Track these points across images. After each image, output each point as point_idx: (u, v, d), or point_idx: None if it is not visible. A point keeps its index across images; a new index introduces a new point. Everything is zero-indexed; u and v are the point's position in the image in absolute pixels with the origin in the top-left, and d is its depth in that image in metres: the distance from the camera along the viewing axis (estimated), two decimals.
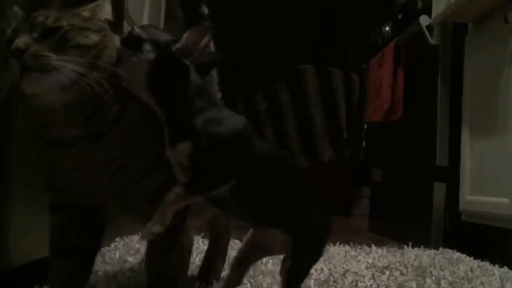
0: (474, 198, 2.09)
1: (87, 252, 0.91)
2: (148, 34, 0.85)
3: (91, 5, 0.85)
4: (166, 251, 0.91)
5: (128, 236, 1.79)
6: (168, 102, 0.85)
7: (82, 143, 0.80)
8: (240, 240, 1.05)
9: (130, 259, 1.46)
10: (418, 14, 2.60)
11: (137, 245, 1.69)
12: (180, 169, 0.85)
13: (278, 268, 1.45)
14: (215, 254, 1.29)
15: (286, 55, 5.42)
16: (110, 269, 1.34)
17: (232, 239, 1.40)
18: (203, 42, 0.85)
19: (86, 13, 0.83)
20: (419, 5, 2.72)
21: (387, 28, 3.30)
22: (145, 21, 2.52)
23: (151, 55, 0.83)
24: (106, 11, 0.86)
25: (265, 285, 1.26)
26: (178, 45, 0.85)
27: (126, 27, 2.09)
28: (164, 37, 0.86)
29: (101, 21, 0.83)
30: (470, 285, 1.39)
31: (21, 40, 0.72)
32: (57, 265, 0.87)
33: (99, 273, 1.28)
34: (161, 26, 3.01)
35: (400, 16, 3.06)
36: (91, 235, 0.90)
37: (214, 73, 1.30)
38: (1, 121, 0.93)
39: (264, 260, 1.55)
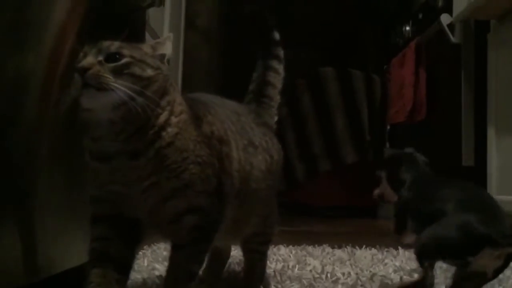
0: (502, 197, 2.04)
1: (125, 262, 0.94)
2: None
3: (153, 42, 0.95)
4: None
5: (155, 244, 1.81)
6: None
7: (121, 158, 0.87)
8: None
9: (158, 266, 1.48)
10: (438, 13, 2.58)
11: (164, 253, 1.70)
12: None
13: (304, 272, 1.46)
14: (249, 281, 1.27)
15: (306, 58, 5.41)
16: (139, 276, 1.36)
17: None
18: None
19: (147, 49, 0.92)
20: (440, 4, 2.70)
21: (407, 28, 3.28)
22: (165, 31, 2.56)
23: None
24: (167, 48, 0.95)
25: None
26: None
27: (148, 38, 2.12)
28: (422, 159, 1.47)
29: (162, 63, 0.92)
30: (501, 287, 1.37)
31: (87, 60, 0.83)
32: (95, 274, 0.90)
33: (129, 281, 1.29)
34: (181, 35, 3.05)
35: (420, 16, 3.03)
36: (129, 245, 0.94)
37: (277, 95, 1.30)
38: (30, 135, 0.95)
39: (290, 265, 1.55)
